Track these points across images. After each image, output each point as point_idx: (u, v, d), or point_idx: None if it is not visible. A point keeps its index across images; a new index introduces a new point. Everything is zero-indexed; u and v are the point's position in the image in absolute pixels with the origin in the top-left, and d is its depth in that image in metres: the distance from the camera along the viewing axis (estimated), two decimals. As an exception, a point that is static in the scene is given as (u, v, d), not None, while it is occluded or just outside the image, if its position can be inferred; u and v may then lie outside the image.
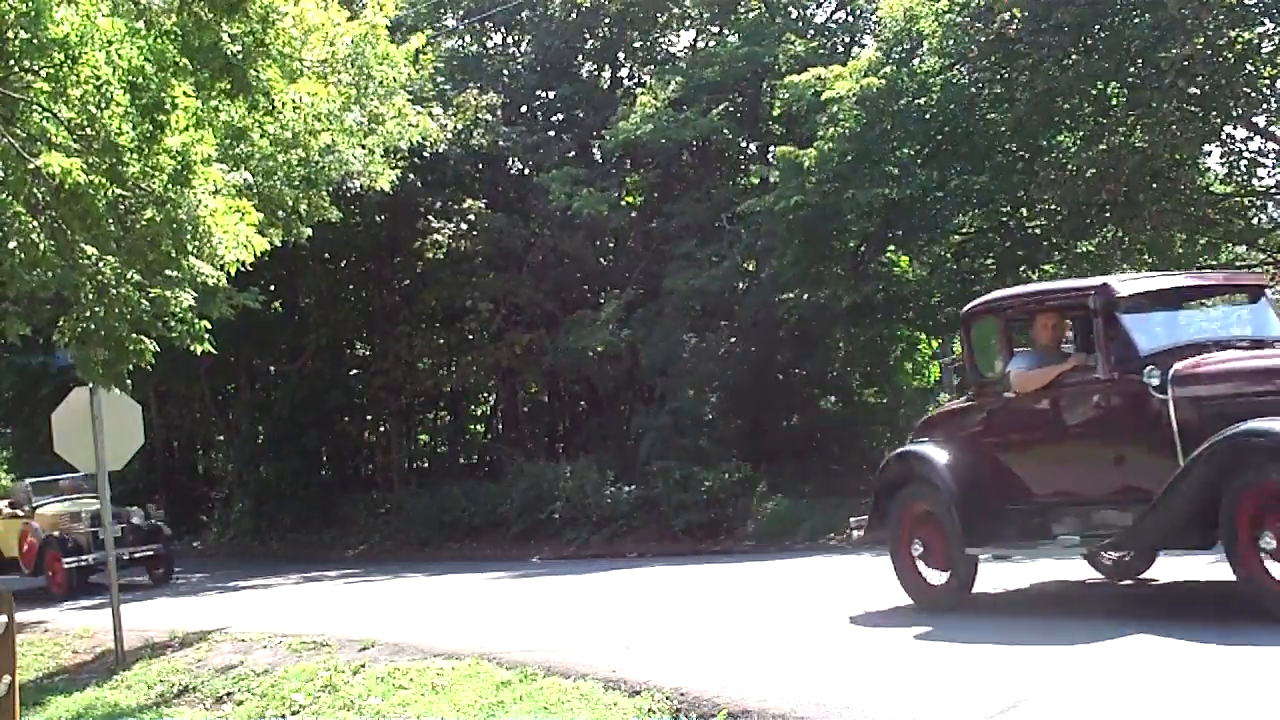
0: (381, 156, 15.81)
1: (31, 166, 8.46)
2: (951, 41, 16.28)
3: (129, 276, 9.28)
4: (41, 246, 8.60)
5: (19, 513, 19.49)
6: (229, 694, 9.60)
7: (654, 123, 19.86)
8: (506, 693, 7.54)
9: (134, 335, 9.49)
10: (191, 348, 10.14)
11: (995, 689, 5.99)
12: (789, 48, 19.64)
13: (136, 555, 18.32)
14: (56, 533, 18.51)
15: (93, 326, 9.29)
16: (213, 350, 10.50)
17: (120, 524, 16.91)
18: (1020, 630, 7.62)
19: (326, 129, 13.21)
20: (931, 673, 6.60)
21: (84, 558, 17.87)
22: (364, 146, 14.92)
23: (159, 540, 18.91)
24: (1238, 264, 17.91)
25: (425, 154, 20.68)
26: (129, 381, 10.38)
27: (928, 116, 17.07)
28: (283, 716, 8.66)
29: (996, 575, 9.62)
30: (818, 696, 6.22)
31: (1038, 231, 17.73)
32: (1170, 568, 8.93)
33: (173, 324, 9.90)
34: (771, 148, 18.53)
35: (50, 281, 9.02)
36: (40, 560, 18.53)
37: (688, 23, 23.79)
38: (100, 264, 9.02)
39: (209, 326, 10.37)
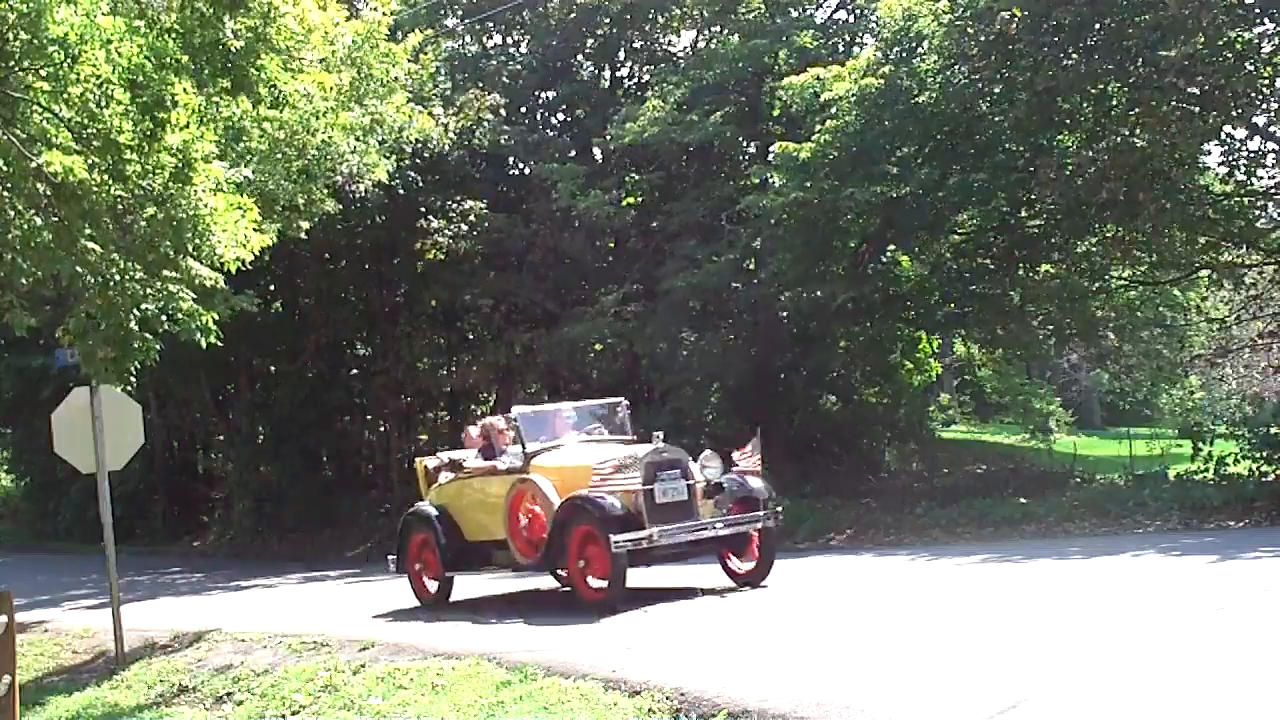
0: (378, 151, 15.84)
1: (33, 165, 8.46)
2: (951, 41, 16.27)
3: (132, 272, 9.29)
4: (45, 240, 8.61)
5: (499, 464, 11.86)
6: (229, 694, 9.60)
7: (659, 126, 19.87)
8: (506, 693, 7.55)
9: (138, 331, 9.51)
10: (198, 340, 10.16)
11: (995, 689, 5.98)
12: (793, 42, 19.64)
13: (717, 534, 10.83)
14: (589, 492, 10.54)
15: (96, 322, 9.31)
16: (219, 343, 10.53)
17: (679, 476, 10.73)
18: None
19: (326, 125, 13.24)
20: (931, 673, 6.60)
21: (639, 534, 10.25)
22: (360, 139, 14.95)
23: (755, 505, 11.03)
24: (1237, 264, 17.91)
25: (426, 154, 20.68)
26: (132, 380, 10.38)
27: (927, 115, 17.06)
28: (283, 716, 8.66)
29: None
30: (818, 696, 6.21)
31: (1037, 231, 17.73)
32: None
33: (178, 318, 9.92)
34: (771, 148, 18.53)
35: (52, 271, 9.03)
36: (558, 542, 10.74)
37: (688, 22, 23.78)
38: (103, 260, 9.03)
39: (215, 318, 10.40)
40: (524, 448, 11.44)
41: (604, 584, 10.27)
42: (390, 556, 12.67)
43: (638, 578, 10.62)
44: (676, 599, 10.35)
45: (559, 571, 11.67)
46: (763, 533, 10.99)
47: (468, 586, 12.72)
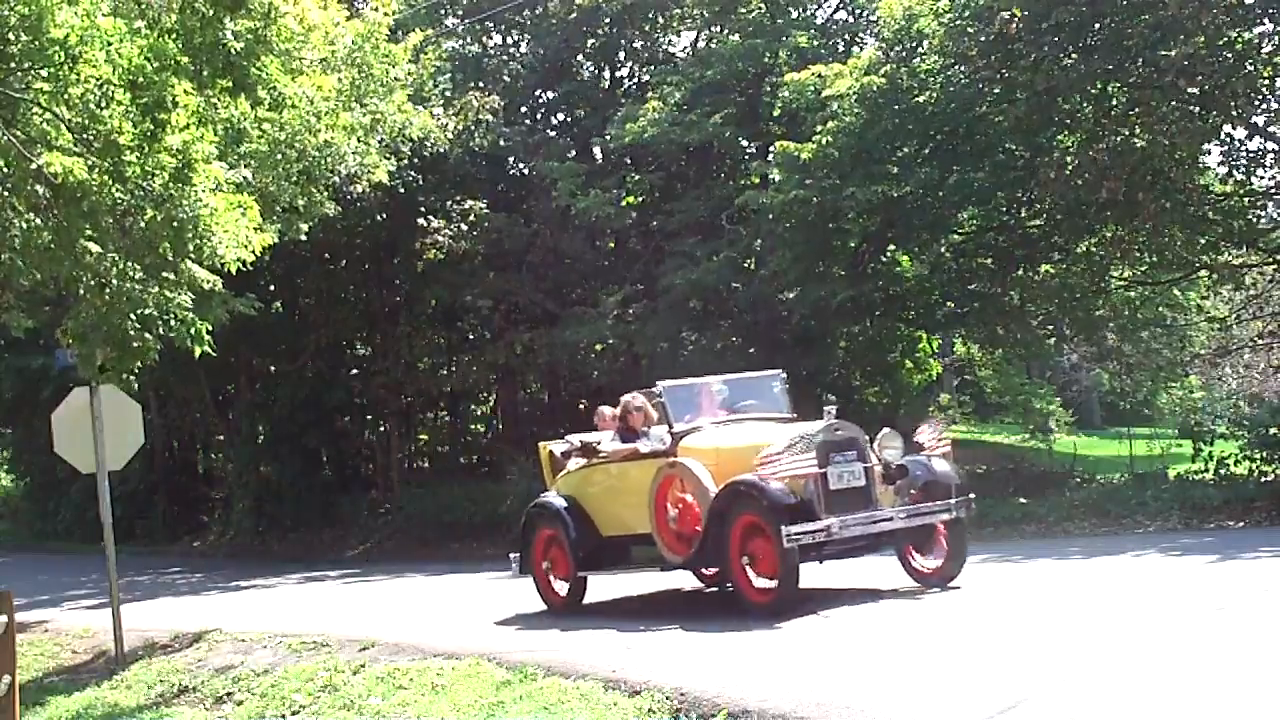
0: (379, 151, 15.83)
1: (34, 166, 8.47)
2: (951, 41, 16.28)
3: (131, 273, 9.30)
4: (44, 242, 8.62)
5: (641, 447, 10.38)
6: (229, 694, 9.61)
7: (660, 125, 19.89)
8: (506, 693, 7.55)
9: (138, 331, 9.52)
10: (192, 348, 10.16)
11: (995, 689, 5.98)
12: (792, 41, 19.65)
13: (901, 525, 9.36)
14: (757, 477, 9.01)
15: (96, 322, 9.32)
16: (212, 352, 10.52)
17: (855, 458, 9.38)
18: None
19: (326, 125, 13.25)
20: (931, 673, 6.60)
21: (815, 526, 8.82)
22: (361, 140, 14.96)
23: (943, 492, 9.58)
24: (1237, 264, 17.91)
25: (426, 153, 20.68)
26: (133, 380, 10.39)
27: (928, 115, 17.08)
28: (283, 716, 8.66)
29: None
30: (818, 696, 6.22)
31: (1037, 231, 17.73)
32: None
33: (174, 323, 9.93)
34: (771, 148, 18.54)
35: (51, 272, 9.04)
36: (715, 535, 9.27)
37: (688, 22, 23.79)
38: (102, 261, 9.04)
39: (209, 328, 10.39)
40: (671, 427, 10.03)
41: (772, 584, 8.88)
42: (512, 556, 11.23)
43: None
44: (861, 601, 9.18)
45: (705, 570, 10.43)
46: (952, 524, 9.49)
47: (599, 589, 11.30)
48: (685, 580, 11.13)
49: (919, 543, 9.69)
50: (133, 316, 9.48)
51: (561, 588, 10.82)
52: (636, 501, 10.03)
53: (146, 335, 9.76)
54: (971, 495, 9.79)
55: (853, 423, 9.72)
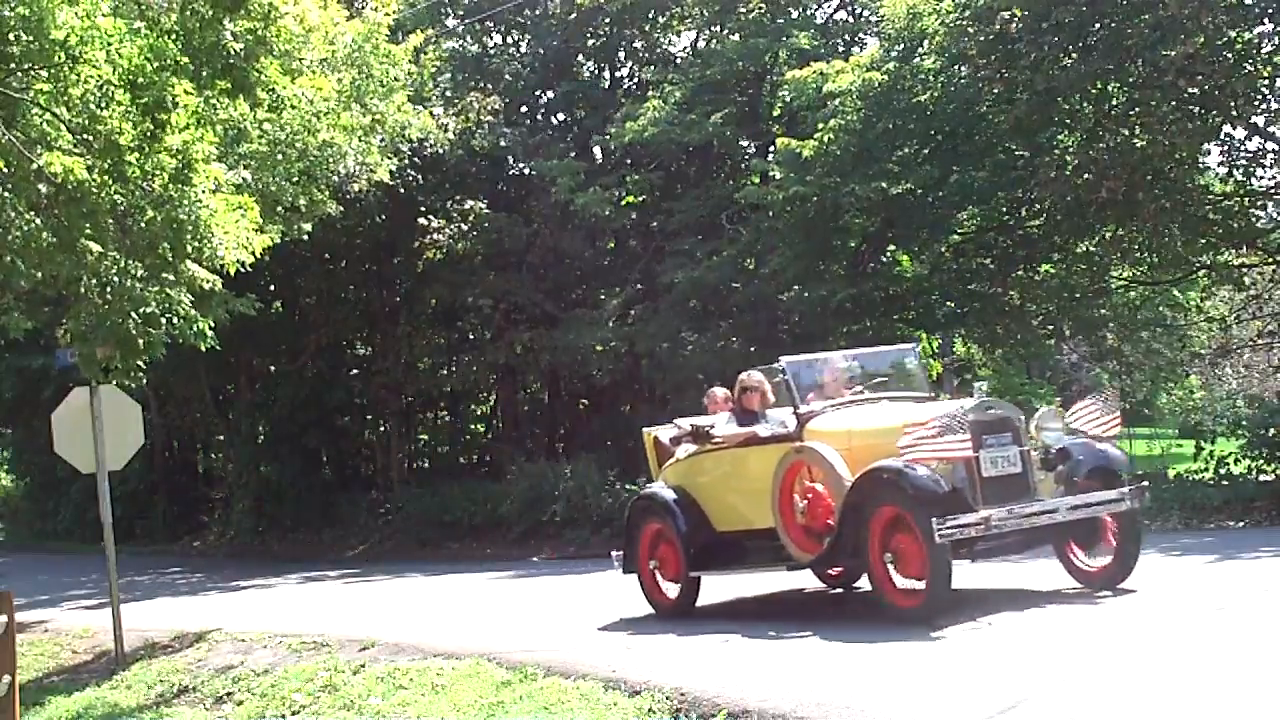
0: (380, 150, 15.84)
1: (34, 166, 8.48)
2: (951, 41, 16.29)
3: (133, 272, 9.31)
4: (44, 243, 8.63)
5: (761, 430, 9.37)
6: (229, 694, 9.61)
7: (660, 124, 19.89)
8: (506, 693, 7.55)
9: (140, 329, 9.52)
10: (195, 344, 10.17)
11: (995, 689, 5.99)
12: (792, 43, 19.66)
13: (1065, 518, 8.16)
14: (898, 463, 7.94)
15: (97, 321, 9.32)
16: (216, 347, 10.53)
17: (1010, 441, 8.30)
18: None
19: (327, 125, 13.25)
20: (931, 673, 6.60)
21: (970, 519, 7.71)
22: (362, 139, 14.97)
23: (1112, 480, 8.50)
24: (1237, 264, 17.91)
25: (425, 153, 20.69)
26: (141, 377, 10.39)
27: (928, 114, 17.08)
28: (283, 716, 8.66)
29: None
30: (818, 696, 6.22)
31: (1037, 231, 17.74)
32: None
33: (176, 321, 9.93)
34: (772, 148, 18.55)
35: (52, 277, 9.05)
36: (850, 530, 8.19)
37: (688, 22, 23.79)
38: (103, 260, 9.05)
39: (212, 325, 10.41)
40: (796, 407, 8.87)
41: (919, 585, 7.79)
42: (614, 553, 10.28)
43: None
44: (1025, 605, 8.13)
45: (830, 570, 9.39)
46: (1121, 517, 8.23)
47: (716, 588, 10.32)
48: (806, 580, 10.06)
49: (1083, 538, 8.49)
50: (135, 315, 9.49)
51: (670, 589, 9.78)
52: (756, 492, 8.94)
53: (149, 332, 9.77)
54: (1146, 483, 8.72)
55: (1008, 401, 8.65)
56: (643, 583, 9.98)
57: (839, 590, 10.01)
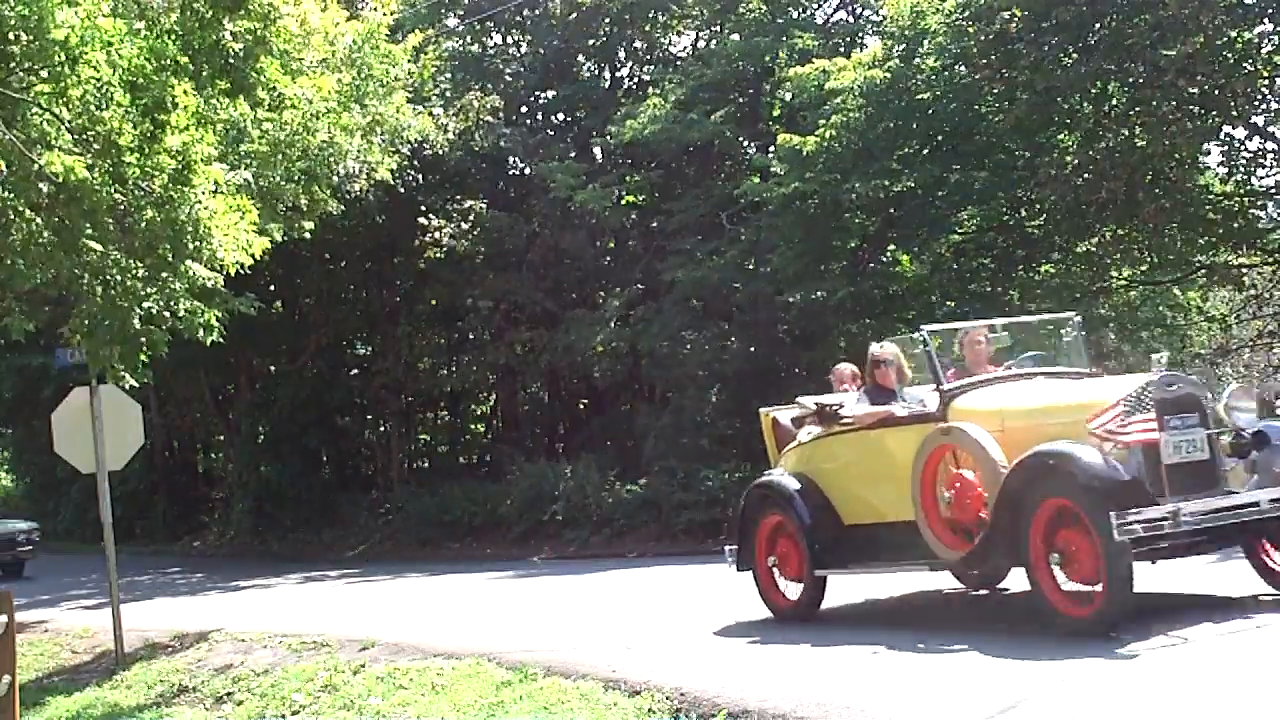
0: (381, 149, 15.84)
1: (35, 166, 8.48)
2: (951, 40, 16.28)
3: (134, 270, 9.31)
4: (46, 242, 8.63)
5: (897, 409, 8.25)
6: (229, 694, 9.60)
7: (660, 123, 19.90)
8: (506, 693, 7.54)
9: (143, 328, 9.53)
10: (201, 338, 10.16)
11: (995, 689, 5.99)
12: (793, 43, 19.67)
13: (1264, 513, 7.04)
14: (1067, 446, 6.90)
15: (103, 320, 9.32)
16: (221, 341, 10.53)
17: (1196, 423, 7.16)
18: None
19: (327, 124, 13.25)
20: (932, 673, 6.60)
21: (1158, 514, 6.62)
22: (363, 138, 14.97)
23: None
24: (1236, 264, 17.90)
25: (426, 153, 20.69)
26: (144, 374, 10.38)
27: (929, 113, 17.08)
28: (283, 716, 8.66)
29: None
30: (818, 696, 6.21)
31: (1037, 231, 17.74)
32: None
33: (181, 315, 9.93)
34: (772, 147, 18.55)
35: (52, 276, 9.05)
36: (1006, 524, 7.14)
37: (688, 22, 23.81)
38: (105, 259, 9.05)
39: (218, 316, 10.41)
40: (940, 383, 7.77)
41: (1093, 590, 6.75)
42: (728, 548, 9.22)
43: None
44: (1222, 615, 7.06)
45: (972, 570, 8.15)
46: None
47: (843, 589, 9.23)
48: (945, 580, 9.05)
49: (1276, 537, 7.37)
50: (138, 309, 9.49)
51: (791, 590, 8.80)
52: (893, 480, 7.92)
53: (152, 330, 9.77)
54: None
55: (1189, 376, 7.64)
56: (759, 582, 8.99)
57: (982, 592, 8.89)
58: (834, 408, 8.67)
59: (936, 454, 7.63)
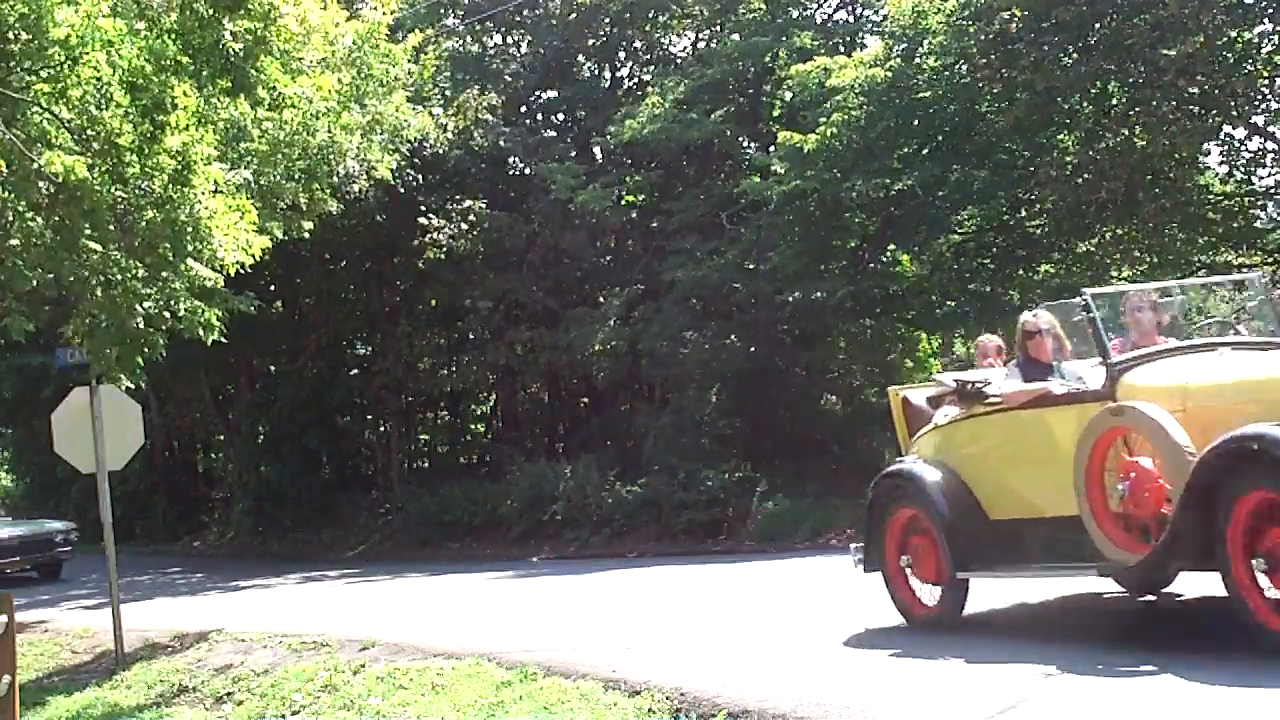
0: (382, 147, 15.85)
1: (35, 166, 8.48)
2: (952, 40, 16.29)
3: (134, 270, 9.31)
4: (47, 243, 8.63)
5: (1055, 387, 7.14)
6: (229, 694, 9.60)
7: (660, 122, 19.90)
8: (506, 693, 7.54)
9: (143, 329, 9.54)
10: (202, 337, 10.17)
11: (995, 689, 5.98)
12: (792, 42, 19.68)
13: None
14: (1275, 430, 5.63)
15: (103, 321, 9.32)
16: (222, 340, 10.54)
17: None
18: (1032, 640, 7.61)
19: (327, 124, 13.25)
20: (932, 674, 6.60)
21: None
22: (363, 137, 14.98)
23: None
24: (1234, 264, 17.91)
25: (425, 153, 20.68)
26: (142, 375, 10.38)
27: (930, 112, 17.09)
28: (283, 716, 8.66)
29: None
30: (818, 696, 6.21)
31: (1037, 231, 17.75)
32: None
33: (181, 314, 9.93)
34: (772, 146, 18.56)
35: (52, 277, 9.05)
36: (1193, 521, 5.97)
37: (688, 22, 23.81)
38: (105, 259, 9.05)
39: (219, 314, 10.41)
40: (1107, 356, 6.64)
41: None
42: (854, 546, 8.30)
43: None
44: None
45: (1152, 575, 6.90)
46: None
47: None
48: (1103, 584, 7.87)
49: None
50: (139, 308, 9.50)
51: (927, 594, 7.70)
52: (1051, 468, 6.85)
53: (152, 330, 9.77)
54: None
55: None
56: (890, 584, 7.93)
57: (1150, 598, 7.78)
58: (978, 385, 7.49)
59: (1105, 438, 6.48)
